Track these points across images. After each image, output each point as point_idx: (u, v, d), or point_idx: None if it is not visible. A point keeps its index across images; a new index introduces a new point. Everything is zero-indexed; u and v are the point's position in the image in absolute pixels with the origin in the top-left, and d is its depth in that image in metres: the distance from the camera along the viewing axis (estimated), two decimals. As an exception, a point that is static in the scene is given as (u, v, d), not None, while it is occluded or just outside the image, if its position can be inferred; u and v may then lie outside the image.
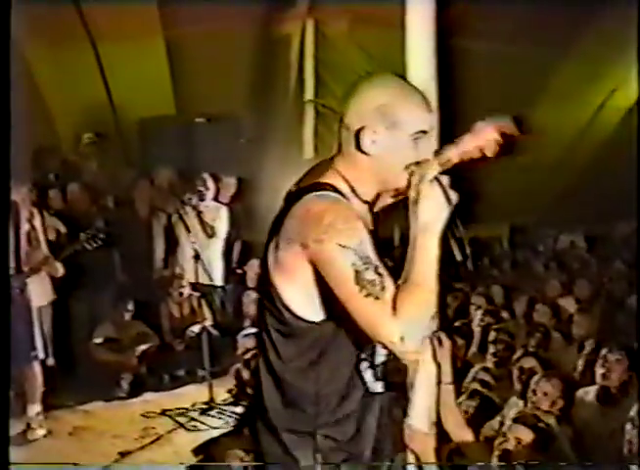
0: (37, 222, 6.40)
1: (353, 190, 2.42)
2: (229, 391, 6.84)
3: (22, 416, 6.25)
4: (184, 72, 8.61)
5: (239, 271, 8.99)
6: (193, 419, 6.40)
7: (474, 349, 6.52)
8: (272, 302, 2.41)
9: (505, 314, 7.46)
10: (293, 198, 2.42)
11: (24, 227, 6.27)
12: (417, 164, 2.35)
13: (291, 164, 7.95)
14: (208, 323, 7.63)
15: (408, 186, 2.35)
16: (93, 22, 7.93)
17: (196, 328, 7.63)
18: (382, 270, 2.25)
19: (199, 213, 7.86)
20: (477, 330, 6.69)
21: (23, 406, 6.28)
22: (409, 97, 2.44)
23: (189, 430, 6.21)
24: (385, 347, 2.32)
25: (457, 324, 6.81)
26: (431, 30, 4.02)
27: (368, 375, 2.51)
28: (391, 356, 2.61)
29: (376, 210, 2.54)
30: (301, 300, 2.37)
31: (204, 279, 7.49)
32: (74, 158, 8.84)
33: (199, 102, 8.91)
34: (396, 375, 2.73)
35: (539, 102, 8.81)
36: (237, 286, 8.56)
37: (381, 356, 2.54)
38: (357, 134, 2.39)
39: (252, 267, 8.88)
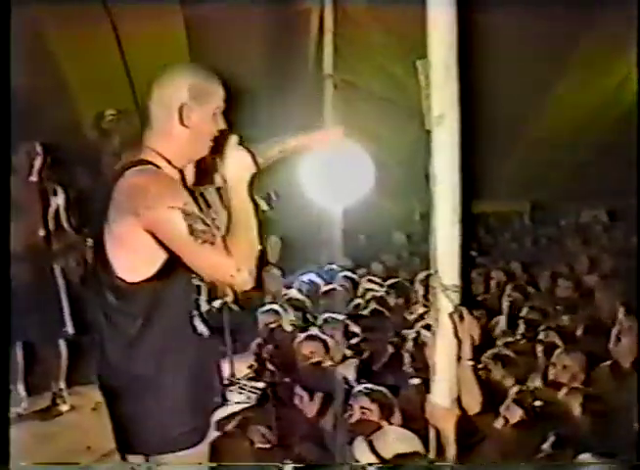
0: (61, 201, 6.44)
1: (169, 161, 2.93)
2: (250, 366, 6.86)
3: (47, 392, 6.35)
4: (202, 48, 8.58)
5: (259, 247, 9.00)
6: (214, 395, 6.43)
7: (502, 325, 6.51)
8: (107, 272, 2.87)
9: (531, 290, 7.43)
10: (115, 178, 2.86)
11: (53, 206, 6.33)
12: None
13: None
14: (229, 299, 7.63)
15: (211, 153, 2.99)
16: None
17: (216, 304, 7.64)
18: (208, 222, 2.78)
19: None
20: (505, 306, 6.68)
21: (48, 383, 6.37)
22: (209, 78, 3.00)
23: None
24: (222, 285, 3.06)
25: (479, 300, 6.78)
26: (452, 4, 4.00)
27: (198, 322, 3.07)
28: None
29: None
30: (128, 265, 2.84)
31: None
32: (96, 134, 8.84)
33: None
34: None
35: (565, 74, 8.72)
36: (257, 262, 8.56)
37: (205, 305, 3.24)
38: (180, 112, 2.89)
39: (273, 244, 8.91)
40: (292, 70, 8.90)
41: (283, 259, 9.27)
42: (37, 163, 6.30)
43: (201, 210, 2.88)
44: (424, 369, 5.15)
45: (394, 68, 7.99)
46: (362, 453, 4.04)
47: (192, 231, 2.71)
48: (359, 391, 4.72)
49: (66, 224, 6.42)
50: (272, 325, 6.79)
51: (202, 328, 3.09)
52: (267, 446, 4.80)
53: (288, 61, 8.81)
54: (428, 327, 5.33)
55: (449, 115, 4.00)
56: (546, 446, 3.76)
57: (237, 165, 2.97)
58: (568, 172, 10.14)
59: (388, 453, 4.02)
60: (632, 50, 7.58)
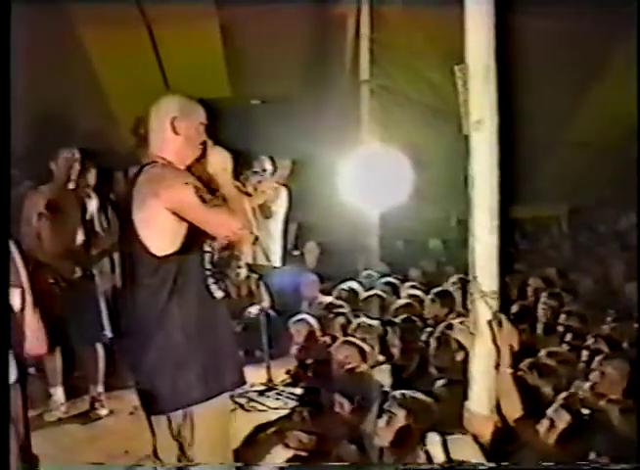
0: (94, 206, 6.49)
1: (170, 163, 3.63)
2: (287, 372, 6.87)
3: (86, 396, 6.41)
4: (238, 54, 8.61)
5: (296, 253, 9.01)
6: (251, 400, 6.43)
7: (539, 332, 6.43)
8: (138, 254, 3.49)
9: (567, 297, 7.31)
10: (135, 176, 3.63)
11: (89, 210, 6.39)
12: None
13: (346, 144, 7.94)
14: (266, 305, 7.65)
15: (201, 156, 3.71)
16: (148, 4, 7.96)
17: (254, 309, 7.65)
18: (210, 193, 3.55)
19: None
20: (541, 313, 6.60)
21: (87, 387, 6.42)
22: (193, 101, 3.78)
23: (248, 410, 6.25)
24: (229, 240, 3.85)
25: (517, 307, 6.67)
26: (489, 9, 3.98)
27: (213, 287, 3.67)
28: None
29: None
30: (158, 242, 3.46)
31: (261, 260, 7.51)
32: (135, 140, 8.90)
33: (253, 84, 8.91)
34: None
35: (601, 78, 8.64)
36: (294, 268, 8.57)
37: (223, 274, 3.99)
38: (172, 123, 3.63)
39: (311, 249, 8.89)
40: (328, 75, 8.90)
41: (320, 265, 9.26)
42: (75, 169, 6.35)
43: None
44: (450, 370, 5.13)
45: (432, 73, 7.96)
46: (434, 446, 3.93)
47: (203, 199, 3.46)
48: (392, 396, 4.66)
49: (98, 229, 6.47)
50: (306, 333, 6.77)
51: (217, 293, 3.70)
52: (304, 454, 4.79)
53: (324, 66, 8.82)
54: (450, 326, 5.30)
55: (488, 120, 3.98)
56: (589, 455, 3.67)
57: (217, 160, 3.71)
58: (606, 178, 10.03)
59: (456, 455, 3.92)
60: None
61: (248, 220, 3.70)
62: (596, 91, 8.83)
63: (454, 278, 7.60)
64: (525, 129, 7.84)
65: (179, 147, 3.67)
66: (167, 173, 3.56)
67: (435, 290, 7.14)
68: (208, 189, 3.62)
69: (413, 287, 7.75)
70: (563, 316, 6.32)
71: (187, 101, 3.76)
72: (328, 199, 7.82)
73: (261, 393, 6.59)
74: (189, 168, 3.72)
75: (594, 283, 7.89)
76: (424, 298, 7.17)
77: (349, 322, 6.61)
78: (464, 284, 7.06)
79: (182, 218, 3.48)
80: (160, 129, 3.68)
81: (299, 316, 7.04)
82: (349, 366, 5.53)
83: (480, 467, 3.87)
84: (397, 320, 6.46)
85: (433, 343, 5.62)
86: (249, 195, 4.28)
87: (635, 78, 7.74)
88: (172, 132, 3.64)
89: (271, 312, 7.67)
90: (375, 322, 6.33)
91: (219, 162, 3.72)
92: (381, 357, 6.02)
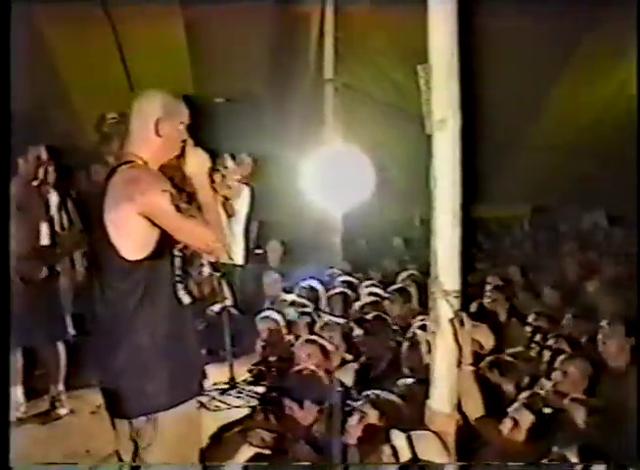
0: (54, 203, 6.43)
1: (146, 163, 3.50)
2: (249, 370, 6.85)
3: (46, 395, 6.34)
4: (202, 52, 8.58)
5: (258, 251, 8.98)
6: (214, 399, 6.41)
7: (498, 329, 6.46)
8: (108, 256, 3.38)
9: (523, 295, 7.36)
10: (108, 176, 3.48)
11: (52, 209, 6.33)
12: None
13: (309, 142, 7.93)
14: (229, 303, 7.62)
15: (181, 154, 3.58)
16: (112, 2, 7.91)
17: (216, 308, 7.62)
18: (187, 203, 3.46)
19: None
20: (490, 306, 6.64)
21: (47, 386, 6.36)
22: (177, 99, 3.66)
23: (210, 409, 6.22)
24: (203, 250, 3.80)
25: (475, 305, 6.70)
26: (453, 9, 4.00)
27: (181, 293, 3.58)
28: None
29: None
30: (129, 246, 3.35)
31: (223, 259, 7.48)
32: (97, 137, 8.83)
33: (217, 82, 8.88)
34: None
35: (563, 78, 8.71)
36: (257, 266, 8.56)
37: (190, 278, 3.82)
38: (156, 125, 3.49)
39: (274, 248, 8.87)
40: (292, 73, 8.90)
41: (283, 263, 9.25)
42: (42, 167, 6.29)
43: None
44: (419, 370, 5.13)
45: (395, 72, 8.00)
46: (399, 442, 3.90)
47: (179, 208, 3.35)
48: (365, 396, 4.65)
49: (58, 228, 6.41)
50: (270, 330, 6.78)
51: (185, 298, 3.61)
52: (267, 451, 4.77)
53: (288, 64, 8.81)
54: (423, 327, 5.30)
55: (451, 119, 4.00)
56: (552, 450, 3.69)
57: (196, 162, 3.59)
58: (569, 178, 10.12)
59: (421, 451, 3.90)
60: (632, 53, 7.55)
61: (222, 233, 3.65)
62: (558, 91, 8.91)
63: (403, 275, 7.69)
64: (488, 129, 7.90)
65: (158, 147, 3.54)
66: (144, 177, 3.41)
67: (392, 288, 7.17)
68: (180, 190, 3.51)
69: (373, 285, 7.78)
70: (531, 317, 6.33)
71: (170, 99, 3.62)
72: (291, 197, 7.81)
73: (223, 391, 6.57)
74: (162, 167, 3.59)
75: (555, 281, 7.94)
76: (383, 295, 7.21)
77: (314, 321, 6.62)
78: (416, 281, 7.18)
79: (155, 225, 3.38)
80: (141, 129, 3.54)
81: (265, 313, 7.03)
82: (310, 365, 5.52)
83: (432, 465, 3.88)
84: (369, 317, 6.48)
85: (404, 343, 5.65)
86: (227, 199, 4.09)
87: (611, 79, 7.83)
88: (155, 134, 3.51)
89: (234, 310, 7.64)
90: (341, 320, 6.34)
91: (198, 163, 3.60)
92: (348, 356, 6.04)
